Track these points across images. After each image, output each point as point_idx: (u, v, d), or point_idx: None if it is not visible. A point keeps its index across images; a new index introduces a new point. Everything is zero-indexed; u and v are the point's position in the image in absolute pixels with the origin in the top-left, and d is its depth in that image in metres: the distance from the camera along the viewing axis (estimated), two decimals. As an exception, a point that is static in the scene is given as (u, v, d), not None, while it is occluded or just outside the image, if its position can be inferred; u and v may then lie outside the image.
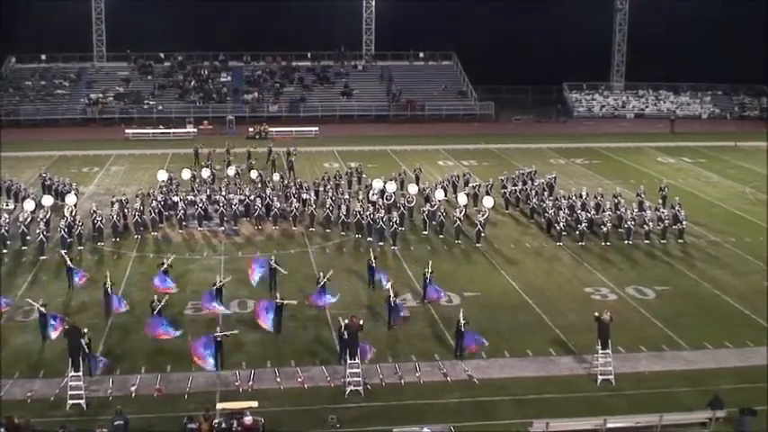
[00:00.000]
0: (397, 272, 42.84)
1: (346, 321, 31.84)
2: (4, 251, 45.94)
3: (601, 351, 31.55)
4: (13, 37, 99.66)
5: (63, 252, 43.13)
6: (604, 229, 48.72)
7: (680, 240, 49.08)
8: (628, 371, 32.21)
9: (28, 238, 46.97)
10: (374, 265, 40.60)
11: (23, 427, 26.01)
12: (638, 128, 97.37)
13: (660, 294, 40.76)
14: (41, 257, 44.94)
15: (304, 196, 53.79)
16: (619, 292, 40.84)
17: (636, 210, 51.40)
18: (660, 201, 54.87)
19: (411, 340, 34.99)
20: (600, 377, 31.33)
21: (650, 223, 49.62)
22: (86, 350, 30.35)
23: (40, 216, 49.07)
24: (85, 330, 30.82)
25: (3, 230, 46.50)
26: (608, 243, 48.31)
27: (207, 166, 62.86)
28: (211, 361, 31.27)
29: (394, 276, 40.67)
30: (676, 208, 50.81)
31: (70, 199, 53.15)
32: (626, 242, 48.59)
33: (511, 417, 28.93)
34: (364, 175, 61.68)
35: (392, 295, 35.84)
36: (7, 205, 54.26)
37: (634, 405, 29.49)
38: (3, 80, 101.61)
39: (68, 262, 40.69)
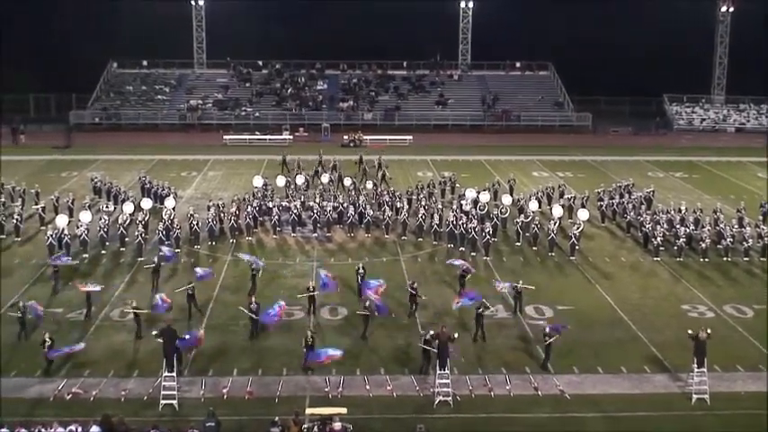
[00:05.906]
0: (489, 283, 42.55)
1: (431, 332, 31.94)
2: (103, 252, 47.04)
3: (696, 369, 30.88)
4: (115, 43, 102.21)
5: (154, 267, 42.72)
6: (703, 244, 47.72)
7: (780, 258, 47.91)
8: (723, 390, 31.45)
9: (126, 239, 48.04)
10: (466, 275, 40.30)
11: (118, 426, 26.46)
12: (739, 142, 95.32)
13: (759, 313, 39.67)
14: (139, 259, 45.85)
15: (397, 205, 53.96)
16: (716, 310, 39.90)
17: (736, 226, 50.30)
18: (760, 217, 53.61)
19: (501, 352, 34.69)
20: (695, 396, 30.65)
21: (750, 240, 48.44)
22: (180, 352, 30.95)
23: (139, 218, 50.16)
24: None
25: (102, 232, 47.65)
26: (706, 259, 47.29)
27: (300, 173, 63.24)
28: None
29: (485, 288, 40.44)
30: (777, 225, 49.56)
31: (169, 202, 54.12)
32: (725, 259, 47.50)
33: (602, 434, 28.52)
34: (457, 185, 61.59)
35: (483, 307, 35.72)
36: (107, 207, 55.48)
37: (728, 425, 28.84)
38: (105, 84, 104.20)
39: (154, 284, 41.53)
